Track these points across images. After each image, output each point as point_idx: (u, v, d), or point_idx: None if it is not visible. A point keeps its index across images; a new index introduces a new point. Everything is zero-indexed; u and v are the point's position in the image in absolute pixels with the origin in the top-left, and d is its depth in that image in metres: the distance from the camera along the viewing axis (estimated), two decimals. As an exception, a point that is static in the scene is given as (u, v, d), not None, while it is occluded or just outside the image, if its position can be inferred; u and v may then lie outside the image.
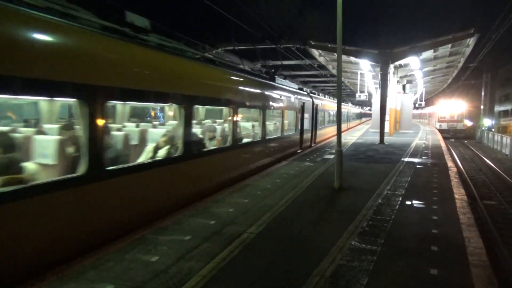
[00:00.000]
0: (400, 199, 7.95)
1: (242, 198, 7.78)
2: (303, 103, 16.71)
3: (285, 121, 14.22)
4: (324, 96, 27.18)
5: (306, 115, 17.38)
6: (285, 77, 16.99)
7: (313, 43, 21.59)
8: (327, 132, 24.45)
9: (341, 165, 9.01)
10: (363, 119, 58.31)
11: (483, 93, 51.93)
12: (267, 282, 4.20)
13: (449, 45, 20.87)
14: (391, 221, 6.38)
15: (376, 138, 20.99)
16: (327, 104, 25.19)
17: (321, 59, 26.20)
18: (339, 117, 9.59)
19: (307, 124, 17.67)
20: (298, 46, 21.75)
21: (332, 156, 13.97)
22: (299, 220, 6.42)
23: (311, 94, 19.77)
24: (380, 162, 13.32)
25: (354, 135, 27.11)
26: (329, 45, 21.03)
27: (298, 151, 15.88)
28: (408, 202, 7.68)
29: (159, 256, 4.74)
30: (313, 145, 18.96)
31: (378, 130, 21.11)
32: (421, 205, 7.47)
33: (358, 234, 5.70)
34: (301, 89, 19.22)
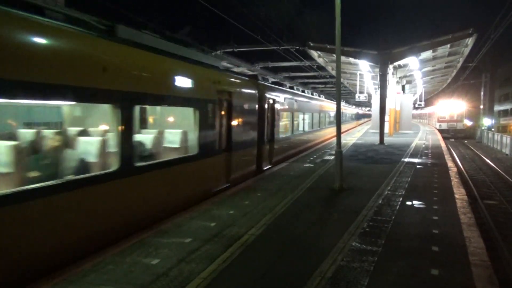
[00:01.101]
0: (401, 199, 7.94)
1: (243, 200, 7.78)
2: (230, 93, 9.11)
3: (164, 134, 7.63)
4: (303, 91, 19.53)
5: (247, 117, 10.40)
6: (183, 41, 9.04)
7: (312, 44, 21.64)
8: (301, 143, 17.32)
9: (341, 166, 9.01)
10: (361, 121, 56.49)
11: (482, 93, 51.93)
12: (268, 284, 4.19)
13: (448, 45, 20.90)
14: (392, 222, 6.37)
15: (376, 139, 20.99)
16: (299, 100, 16.99)
17: (320, 60, 26.23)
18: (338, 118, 9.65)
19: (247, 134, 10.43)
20: (297, 47, 21.80)
21: (332, 157, 13.96)
22: (300, 221, 6.41)
23: (261, 82, 12.10)
24: (380, 163, 13.32)
25: (354, 135, 27.12)
26: (328, 46, 21.07)
27: (218, 189, 8.50)
28: (409, 203, 7.68)
29: (160, 259, 4.73)
30: (266, 168, 11.86)
31: (378, 131, 21.12)
32: (421, 205, 7.47)
33: (359, 235, 5.70)
34: (248, 75, 12.37)
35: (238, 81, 10.44)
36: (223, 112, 8.87)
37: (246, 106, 10.47)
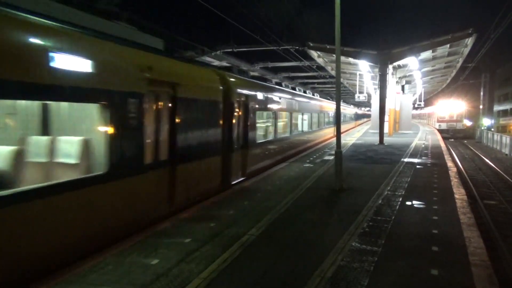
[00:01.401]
0: (400, 199, 7.94)
1: (242, 200, 7.77)
2: (173, 86, 6.84)
3: (48, 144, 5.41)
4: (294, 89, 17.89)
5: (206, 118, 8.15)
6: None
7: (311, 44, 21.62)
8: (287, 148, 14.91)
9: (341, 166, 9.01)
10: (360, 121, 54.21)
11: (482, 93, 52.01)
12: (267, 284, 4.18)
13: (448, 45, 20.92)
14: (392, 222, 6.37)
15: (376, 139, 21.00)
16: (286, 98, 14.82)
17: (320, 61, 26.23)
18: (338, 118, 9.65)
19: (205, 140, 8.07)
20: (297, 47, 21.79)
21: (332, 157, 13.96)
22: (300, 222, 6.41)
23: (230, 74, 9.96)
24: (380, 163, 13.32)
25: (353, 136, 27.12)
26: (328, 46, 21.06)
27: (155, 218, 6.28)
28: (408, 203, 7.68)
29: (159, 259, 4.73)
30: (238, 181, 9.70)
31: (378, 131, 21.13)
32: (421, 205, 7.47)
33: (359, 235, 5.70)
34: (221, 67, 10.94)
35: (189, 70, 7.98)
36: (160, 111, 6.52)
37: (202, 103, 8.01)
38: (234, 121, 9.49)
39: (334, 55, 16.82)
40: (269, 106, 12.76)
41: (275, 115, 13.50)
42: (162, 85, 6.54)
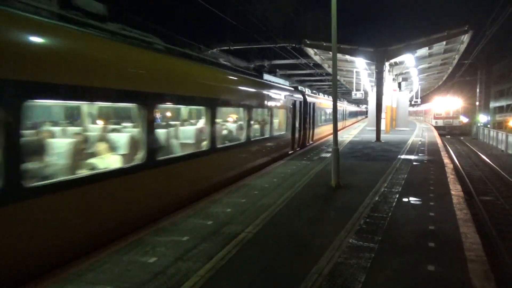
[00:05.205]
0: (397, 196, 7.97)
1: (240, 197, 7.78)
2: None
3: None
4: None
5: None
6: None
7: (308, 42, 21.61)
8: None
9: (338, 163, 9.02)
10: (348, 121, 40.94)
11: (478, 90, 52.16)
12: (265, 281, 4.20)
13: (444, 42, 20.95)
14: (388, 218, 6.39)
15: (373, 136, 21.05)
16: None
17: (317, 58, 26.23)
18: (335, 115, 9.65)
19: None
20: (294, 45, 21.78)
21: (329, 155, 13.98)
22: (297, 219, 6.42)
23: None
24: (376, 160, 13.35)
25: (350, 133, 27.16)
26: (324, 44, 21.05)
27: None
28: (405, 199, 7.71)
29: (157, 257, 4.73)
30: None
31: (375, 128, 21.18)
32: (418, 202, 7.50)
33: (356, 232, 5.72)
34: None
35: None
36: None
37: None
38: None
39: (330, 52, 16.82)
40: None
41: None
42: None
